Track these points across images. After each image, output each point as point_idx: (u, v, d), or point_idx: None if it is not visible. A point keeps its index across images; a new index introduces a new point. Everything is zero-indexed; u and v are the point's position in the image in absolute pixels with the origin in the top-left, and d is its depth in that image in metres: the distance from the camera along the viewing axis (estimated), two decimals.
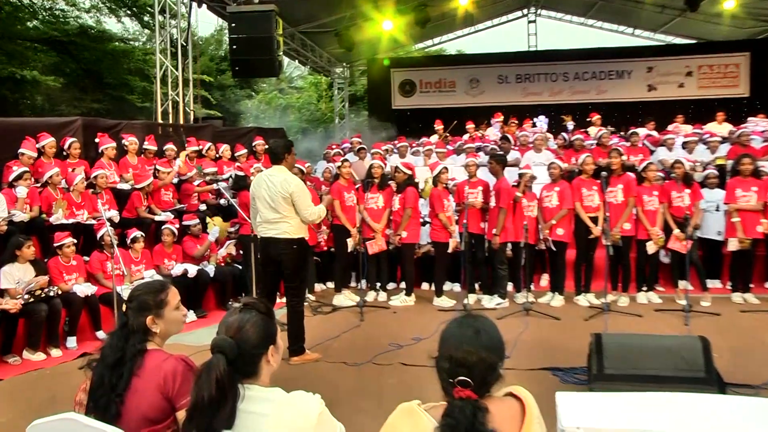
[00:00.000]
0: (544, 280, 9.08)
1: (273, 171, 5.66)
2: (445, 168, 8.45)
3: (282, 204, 5.50)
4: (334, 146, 12.34)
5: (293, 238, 5.59)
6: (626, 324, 6.87)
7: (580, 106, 17.48)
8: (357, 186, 8.87)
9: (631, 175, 8.15)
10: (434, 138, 12.80)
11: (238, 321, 2.03)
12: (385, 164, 9.24)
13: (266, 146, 10.04)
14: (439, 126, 13.47)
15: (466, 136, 12.85)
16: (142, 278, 7.30)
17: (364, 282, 8.33)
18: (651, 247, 7.93)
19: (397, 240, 8.31)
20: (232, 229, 8.86)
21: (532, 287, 8.51)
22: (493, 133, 12.81)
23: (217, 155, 10.37)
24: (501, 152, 9.59)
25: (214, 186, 9.22)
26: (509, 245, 8.27)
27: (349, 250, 8.32)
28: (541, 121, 12.57)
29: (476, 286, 8.47)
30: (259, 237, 5.80)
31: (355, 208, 8.51)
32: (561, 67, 18.64)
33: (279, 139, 6.26)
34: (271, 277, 5.82)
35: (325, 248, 9.31)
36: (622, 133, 12.48)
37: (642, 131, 11.42)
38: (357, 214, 8.48)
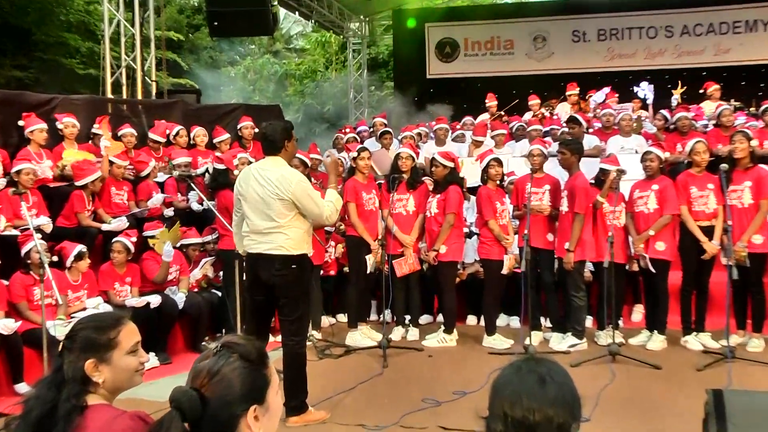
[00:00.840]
0: (638, 313, 9.02)
1: (266, 164, 5.72)
2: (496, 160, 8.41)
3: (279, 209, 5.56)
4: (347, 130, 12.25)
5: (292, 255, 5.62)
6: (761, 378, 6.69)
7: (690, 72, 17.20)
8: (379, 183, 8.81)
9: (766, 168, 8.00)
10: (484, 118, 12.58)
11: (210, 367, 2.00)
12: (418, 154, 9.18)
13: (256, 130, 10.10)
14: (491, 102, 13.29)
15: (528, 116, 12.57)
16: (84, 309, 7.26)
17: (388, 314, 8.28)
18: None
19: (433, 257, 8.27)
20: (209, 238, 8.91)
21: (621, 323, 8.47)
22: (564, 111, 12.68)
23: (190, 142, 10.32)
24: (575, 138, 9.53)
25: (173, 174, 9.26)
26: (588, 265, 8.23)
27: (368, 271, 8.34)
28: (645, 90, 12.37)
29: (542, 320, 8.45)
30: (245, 253, 5.84)
31: (377, 213, 8.47)
32: (662, 18, 18.53)
33: (275, 120, 6.19)
34: (260, 309, 5.86)
35: (334, 270, 9.31)
36: (751, 109, 12.25)
37: None
38: (380, 221, 8.44)
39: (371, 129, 12.27)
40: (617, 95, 13.18)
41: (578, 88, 13.28)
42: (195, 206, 9.34)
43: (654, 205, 7.95)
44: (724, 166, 7.52)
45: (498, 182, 8.40)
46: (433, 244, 8.34)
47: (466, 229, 8.84)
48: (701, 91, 12.86)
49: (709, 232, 7.78)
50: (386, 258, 8.18)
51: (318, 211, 5.62)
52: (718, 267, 7.79)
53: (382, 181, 8.83)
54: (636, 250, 8.03)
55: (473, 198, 8.93)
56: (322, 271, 9.04)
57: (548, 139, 10.48)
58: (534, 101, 13.16)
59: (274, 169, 5.63)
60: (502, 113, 13.16)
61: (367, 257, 8.33)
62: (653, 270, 7.89)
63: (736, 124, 10.09)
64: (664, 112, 11.31)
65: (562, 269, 7.98)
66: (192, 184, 9.07)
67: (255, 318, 5.96)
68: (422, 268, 8.60)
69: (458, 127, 12.33)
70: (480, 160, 8.62)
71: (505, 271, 8.21)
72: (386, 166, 9.28)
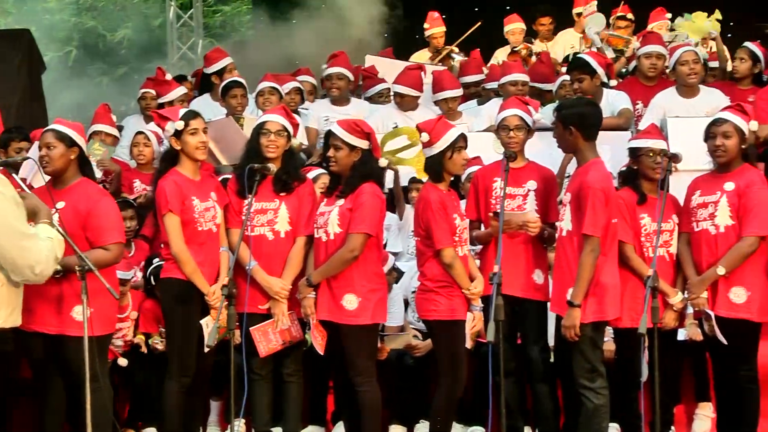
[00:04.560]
0: (704, 419, 6.88)
1: None
2: (462, 137, 6.34)
3: None
4: (166, 77, 9.33)
5: None
6: None
7: None
8: (224, 180, 6.71)
9: None
10: (420, 57, 10.38)
11: None
12: (297, 125, 6.94)
13: None
14: (434, 26, 10.67)
15: (501, 54, 10.15)
16: None
17: (240, 426, 6.25)
18: None
19: (309, 314, 6.13)
20: None
21: None
22: (569, 46, 10.36)
23: None
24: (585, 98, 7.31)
25: None
26: (610, 331, 6.21)
27: (206, 345, 6.05)
28: None
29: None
30: None
31: (218, 236, 6.24)
32: None
33: None
34: None
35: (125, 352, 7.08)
36: None
37: None
38: (223, 251, 6.29)
39: (217, 75, 9.14)
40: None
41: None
42: None
43: (727, 220, 5.89)
44: None
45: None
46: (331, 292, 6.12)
47: (389, 266, 6.75)
48: None
49: None
50: (236, 322, 5.76)
51: (13, 252, 3.83)
52: None
53: (229, 176, 6.69)
54: (694, 304, 5.91)
55: (408, 207, 7.17)
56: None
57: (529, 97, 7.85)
58: (513, 25, 10.27)
59: None
60: (454, 48, 10.46)
61: (203, 321, 6.01)
62: (725, 341, 5.82)
63: None
64: (751, 45, 8.48)
65: (563, 339, 5.73)
66: None
67: None
68: (305, 339, 6.31)
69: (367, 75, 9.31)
70: (432, 138, 6.29)
71: (469, 343, 6.03)
72: (237, 149, 6.99)
